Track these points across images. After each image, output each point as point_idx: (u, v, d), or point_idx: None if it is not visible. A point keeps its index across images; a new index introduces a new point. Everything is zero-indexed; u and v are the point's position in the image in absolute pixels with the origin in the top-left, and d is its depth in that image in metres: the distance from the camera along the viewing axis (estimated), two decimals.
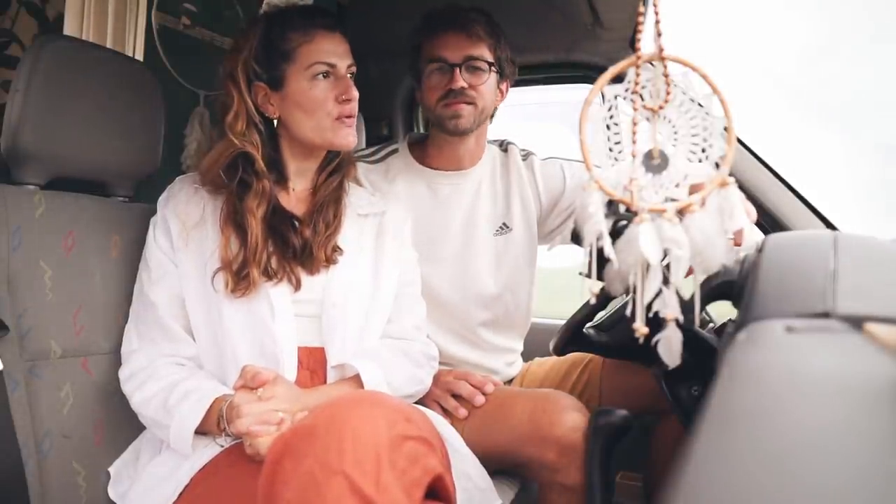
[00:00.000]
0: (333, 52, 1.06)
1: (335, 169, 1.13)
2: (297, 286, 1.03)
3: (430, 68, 1.29)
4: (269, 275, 1.01)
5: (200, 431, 0.92)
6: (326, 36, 1.06)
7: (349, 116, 1.06)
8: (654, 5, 0.46)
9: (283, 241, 1.04)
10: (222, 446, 0.91)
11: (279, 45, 1.04)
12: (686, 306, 0.48)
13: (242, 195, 1.02)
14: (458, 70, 1.26)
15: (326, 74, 1.05)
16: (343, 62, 1.07)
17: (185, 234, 1.04)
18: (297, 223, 1.07)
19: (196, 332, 1.03)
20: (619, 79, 0.49)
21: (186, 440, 0.91)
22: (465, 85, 1.26)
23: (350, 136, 1.07)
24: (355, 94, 1.06)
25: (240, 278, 0.99)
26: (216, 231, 1.03)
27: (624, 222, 0.47)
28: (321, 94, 1.04)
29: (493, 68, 1.29)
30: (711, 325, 1.23)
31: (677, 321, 0.47)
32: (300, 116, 1.05)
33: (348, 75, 1.08)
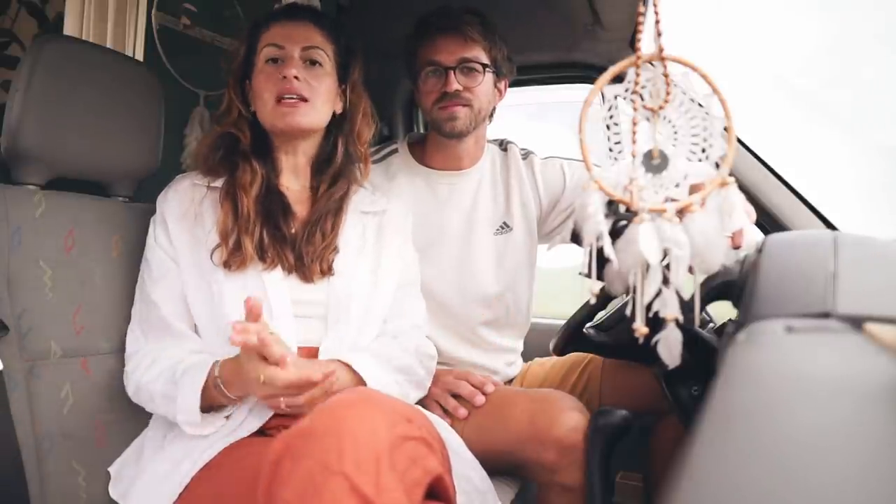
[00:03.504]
0: (285, 35, 1.07)
1: (339, 174, 1.13)
2: (291, 270, 1.04)
3: (425, 72, 1.29)
4: (262, 251, 1.02)
5: (208, 409, 0.93)
6: (284, 22, 1.09)
7: (289, 96, 1.04)
8: (654, 5, 0.46)
9: (275, 225, 1.05)
10: (225, 418, 0.92)
11: (251, 41, 1.10)
12: (686, 306, 0.48)
13: (234, 173, 1.06)
14: (452, 73, 1.26)
15: (276, 60, 1.07)
16: (295, 45, 1.06)
17: (184, 231, 1.04)
18: (290, 211, 1.08)
19: (201, 329, 1.03)
20: (619, 79, 0.49)
21: (193, 409, 0.91)
22: (459, 87, 1.26)
23: (290, 116, 1.04)
24: (293, 72, 1.04)
25: (234, 249, 1.00)
26: (213, 223, 1.04)
27: (624, 222, 0.47)
28: (265, 78, 1.06)
29: (488, 69, 1.29)
30: (711, 325, 1.23)
31: (677, 321, 0.47)
32: (257, 103, 1.08)
33: (304, 60, 1.07)
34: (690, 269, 0.47)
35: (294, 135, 1.09)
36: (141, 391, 1.00)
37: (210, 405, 0.94)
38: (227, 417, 0.95)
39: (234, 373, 0.90)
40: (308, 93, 1.05)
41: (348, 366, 1.00)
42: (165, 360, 0.98)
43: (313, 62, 1.08)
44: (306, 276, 1.04)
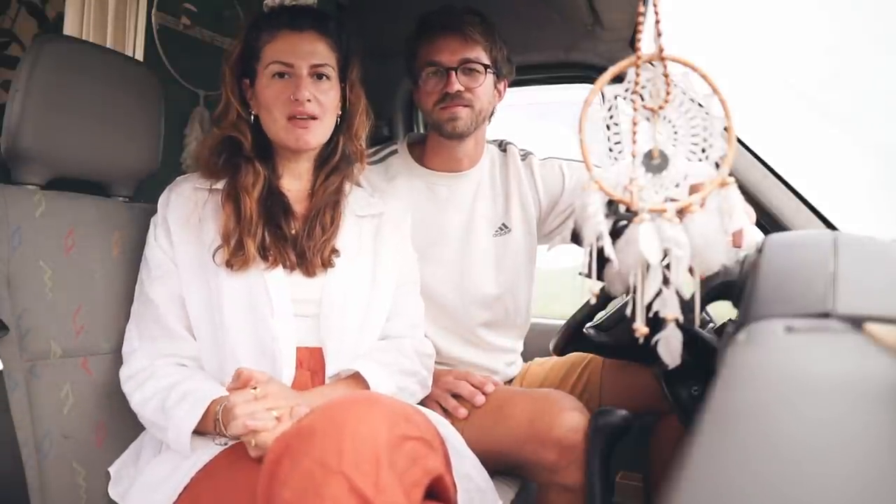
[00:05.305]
0: (292, 51, 1.05)
1: (334, 170, 1.13)
2: (293, 268, 1.04)
3: (426, 72, 1.29)
4: (264, 251, 1.02)
5: (200, 432, 0.92)
6: (290, 35, 1.06)
7: (301, 117, 1.03)
8: (654, 5, 0.46)
9: (277, 226, 1.05)
10: (221, 445, 0.91)
11: (253, 44, 1.08)
12: (686, 306, 0.48)
13: (236, 175, 1.06)
14: (453, 73, 1.26)
15: (283, 74, 1.05)
16: (303, 62, 1.05)
17: (188, 234, 1.04)
18: (291, 211, 1.08)
19: (196, 331, 1.03)
20: (619, 79, 0.49)
21: (184, 442, 0.90)
22: (461, 88, 1.26)
23: (303, 138, 1.04)
24: (306, 94, 1.03)
25: (236, 249, 1.00)
26: (216, 227, 1.04)
27: (624, 222, 0.47)
28: (274, 94, 1.05)
29: (488, 70, 1.29)
30: (711, 325, 1.23)
31: (677, 321, 0.47)
32: (264, 114, 1.07)
33: (312, 75, 1.05)
34: (690, 270, 0.47)
35: (303, 150, 1.09)
36: (132, 404, 1.00)
37: (204, 430, 0.92)
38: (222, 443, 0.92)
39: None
40: (318, 111, 1.05)
41: (354, 375, 1.01)
42: (157, 382, 0.97)
43: (320, 76, 1.07)
44: (308, 271, 1.05)
